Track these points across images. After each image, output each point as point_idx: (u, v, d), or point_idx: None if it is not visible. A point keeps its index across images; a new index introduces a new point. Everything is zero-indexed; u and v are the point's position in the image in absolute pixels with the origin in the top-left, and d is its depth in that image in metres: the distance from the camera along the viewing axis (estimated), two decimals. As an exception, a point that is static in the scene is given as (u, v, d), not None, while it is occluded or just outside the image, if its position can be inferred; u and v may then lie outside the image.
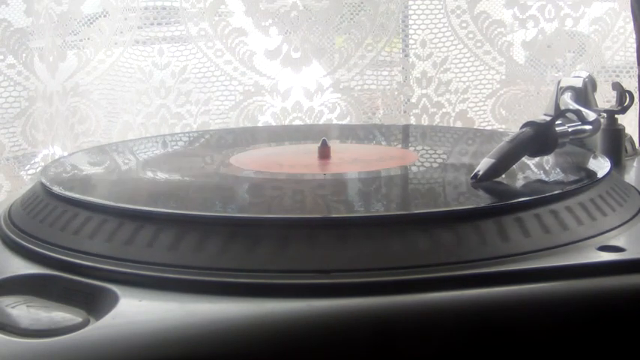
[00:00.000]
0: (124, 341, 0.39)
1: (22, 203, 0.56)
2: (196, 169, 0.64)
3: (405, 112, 1.00)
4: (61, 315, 0.42)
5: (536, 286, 0.43)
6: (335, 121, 0.97)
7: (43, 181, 0.56)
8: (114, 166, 0.68)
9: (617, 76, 1.01)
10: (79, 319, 0.41)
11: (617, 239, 0.48)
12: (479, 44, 0.99)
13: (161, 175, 0.65)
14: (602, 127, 0.66)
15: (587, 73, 0.72)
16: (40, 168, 0.83)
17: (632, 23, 0.85)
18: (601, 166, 0.58)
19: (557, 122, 0.58)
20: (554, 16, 1.00)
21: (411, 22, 0.99)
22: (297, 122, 0.96)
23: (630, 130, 0.72)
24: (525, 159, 0.58)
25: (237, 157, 0.66)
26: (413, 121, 1.00)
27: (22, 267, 0.48)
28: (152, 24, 0.93)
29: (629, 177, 0.65)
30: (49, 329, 0.40)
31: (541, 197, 0.50)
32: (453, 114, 1.01)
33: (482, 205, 0.51)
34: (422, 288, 0.43)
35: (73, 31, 0.89)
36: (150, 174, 0.65)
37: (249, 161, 0.65)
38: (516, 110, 1.01)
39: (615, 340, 0.44)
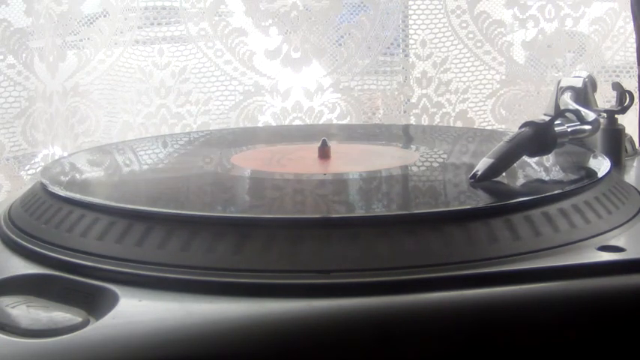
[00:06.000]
0: (124, 341, 0.39)
1: (22, 203, 0.56)
2: (196, 170, 0.64)
3: (405, 112, 1.00)
4: (61, 315, 0.42)
5: (536, 286, 0.43)
6: (335, 121, 0.97)
7: (43, 181, 0.56)
8: (114, 166, 0.68)
9: (617, 76, 1.01)
10: (79, 319, 0.41)
11: (617, 239, 0.48)
12: (479, 44, 0.99)
13: (161, 176, 0.65)
14: (602, 127, 0.66)
15: (587, 73, 0.72)
16: (40, 168, 0.83)
17: (632, 23, 0.85)
18: (601, 166, 0.58)
19: (557, 122, 0.58)
20: (554, 16, 1.00)
21: (411, 22, 0.99)
22: (297, 122, 0.96)
23: (630, 130, 0.72)
24: (525, 158, 0.58)
25: (237, 157, 0.66)
26: (413, 121, 1.00)
27: (22, 267, 0.48)
28: (152, 24, 0.93)
29: (629, 177, 0.65)
30: (49, 329, 0.40)
31: (541, 197, 0.50)
32: (453, 114, 1.01)
33: (480, 205, 0.51)
34: (422, 288, 0.43)
35: (73, 31, 0.89)
36: (150, 174, 0.65)
37: (249, 161, 0.65)
38: (516, 110, 1.01)
39: (615, 340, 0.44)
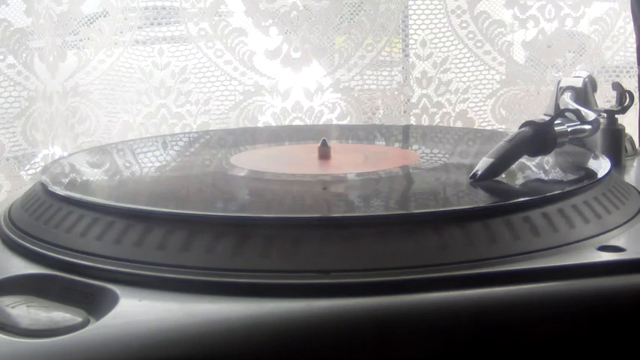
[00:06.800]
0: (124, 341, 0.39)
1: (22, 203, 0.56)
2: (196, 170, 0.64)
3: (405, 112, 1.00)
4: (61, 315, 0.42)
5: (536, 286, 0.43)
6: (335, 121, 0.97)
7: (43, 181, 0.56)
8: (114, 166, 0.68)
9: (617, 76, 1.01)
10: (79, 319, 0.41)
11: (617, 239, 0.48)
12: (479, 44, 0.99)
13: (161, 176, 0.65)
14: (602, 126, 0.67)
15: (587, 73, 0.72)
16: (40, 168, 0.83)
17: (632, 23, 0.85)
18: (601, 166, 0.58)
19: (557, 122, 0.58)
20: (554, 16, 1.00)
21: (411, 22, 0.99)
22: (297, 122, 0.96)
23: (630, 130, 0.72)
24: (525, 158, 0.58)
25: (237, 157, 0.66)
26: (413, 121, 1.00)
27: (22, 267, 0.48)
28: (152, 24, 0.93)
29: (629, 177, 0.65)
30: (49, 329, 0.40)
31: (541, 197, 0.50)
32: (453, 114, 1.01)
33: (481, 205, 0.51)
34: (422, 288, 0.43)
35: (73, 31, 0.89)
36: (150, 174, 0.65)
37: (249, 161, 0.65)
38: (516, 110, 1.01)
39: (615, 340, 0.44)
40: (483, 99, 1.02)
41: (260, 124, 0.96)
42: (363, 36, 0.96)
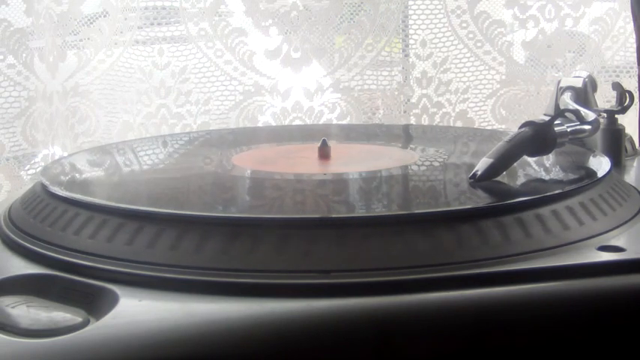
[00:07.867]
0: (124, 341, 0.39)
1: (22, 203, 0.56)
2: (196, 170, 0.64)
3: (405, 112, 1.00)
4: (61, 315, 0.42)
5: (536, 286, 0.43)
6: (335, 121, 0.97)
7: (43, 181, 0.56)
8: (114, 166, 0.68)
9: (617, 76, 1.02)
10: (79, 319, 0.41)
11: (617, 239, 0.49)
12: (479, 44, 0.99)
13: (161, 176, 0.65)
14: (602, 126, 0.67)
15: (587, 73, 0.72)
16: (40, 168, 0.83)
17: (632, 23, 0.85)
18: (601, 165, 0.58)
19: (557, 122, 0.59)
20: (554, 16, 1.00)
21: (411, 22, 0.99)
22: (297, 122, 0.96)
23: (630, 130, 0.72)
24: (525, 158, 0.58)
25: (238, 157, 0.66)
26: (413, 121, 1.00)
27: (22, 267, 0.48)
28: (152, 24, 0.93)
29: (629, 177, 0.65)
30: (49, 329, 0.40)
31: (540, 197, 0.50)
32: (453, 114, 1.01)
33: (481, 205, 0.51)
34: (422, 288, 0.43)
35: (73, 31, 0.89)
36: (150, 174, 0.65)
37: (250, 161, 0.65)
38: (516, 110, 1.01)
39: (615, 340, 0.44)
40: (483, 99, 1.02)
41: (260, 124, 0.96)
42: (363, 36, 0.96)
